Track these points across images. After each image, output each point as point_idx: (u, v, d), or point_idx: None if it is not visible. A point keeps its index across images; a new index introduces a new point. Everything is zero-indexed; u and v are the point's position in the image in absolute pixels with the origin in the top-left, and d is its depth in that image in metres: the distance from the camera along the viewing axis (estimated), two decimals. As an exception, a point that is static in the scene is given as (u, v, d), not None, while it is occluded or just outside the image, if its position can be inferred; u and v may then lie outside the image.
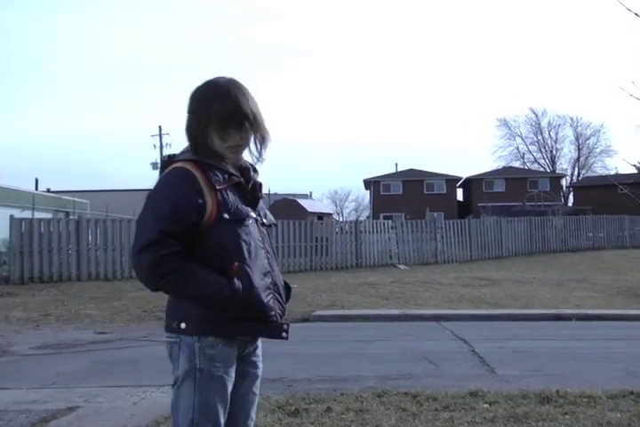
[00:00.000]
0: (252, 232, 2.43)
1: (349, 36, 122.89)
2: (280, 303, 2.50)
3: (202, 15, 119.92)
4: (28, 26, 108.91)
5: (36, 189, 40.47)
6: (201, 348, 2.36)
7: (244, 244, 2.38)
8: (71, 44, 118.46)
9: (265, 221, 2.55)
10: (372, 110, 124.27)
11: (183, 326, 2.38)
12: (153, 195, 2.38)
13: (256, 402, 2.59)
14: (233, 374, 2.43)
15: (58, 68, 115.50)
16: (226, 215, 2.35)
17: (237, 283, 2.32)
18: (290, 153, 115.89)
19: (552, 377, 6.39)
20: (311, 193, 71.70)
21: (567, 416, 4.79)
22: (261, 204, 2.59)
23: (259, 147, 2.50)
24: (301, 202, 56.73)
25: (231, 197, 2.40)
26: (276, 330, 2.46)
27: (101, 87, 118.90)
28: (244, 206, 2.43)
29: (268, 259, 2.48)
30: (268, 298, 2.41)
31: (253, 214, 2.46)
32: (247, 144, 2.47)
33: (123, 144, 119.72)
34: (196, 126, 2.41)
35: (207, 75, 2.50)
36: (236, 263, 2.33)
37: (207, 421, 2.35)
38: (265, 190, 2.80)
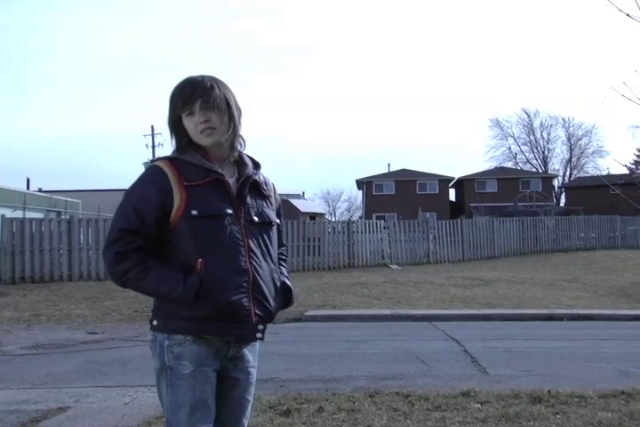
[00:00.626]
0: (228, 229, 2.36)
1: (343, 37, 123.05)
2: (264, 304, 2.40)
3: (200, 14, 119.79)
4: (27, 24, 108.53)
5: (28, 188, 40.35)
6: (169, 346, 2.36)
7: (211, 241, 2.33)
8: (64, 43, 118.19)
9: (256, 218, 2.44)
10: (365, 110, 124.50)
11: (155, 322, 2.41)
12: (124, 194, 2.43)
13: (249, 409, 2.55)
14: (210, 374, 2.38)
15: (51, 67, 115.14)
16: (194, 212, 2.32)
17: (195, 280, 2.28)
18: (282, 153, 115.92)
19: (543, 377, 6.40)
20: (304, 193, 71.71)
21: (558, 416, 4.80)
22: (258, 201, 2.49)
23: (230, 132, 2.44)
24: (294, 202, 56.68)
25: (205, 194, 2.35)
26: (248, 331, 2.39)
27: (93, 87, 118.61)
28: (220, 203, 2.36)
29: (250, 257, 2.38)
30: (238, 297, 2.33)
31: (229, 211, 2.37)
32: (223, 127, 2.41)
33: (115, 144, 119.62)
34: (170, 118, 2.43)
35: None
36: (200, 260, 2.30)
37: (178, 420, 2.33)
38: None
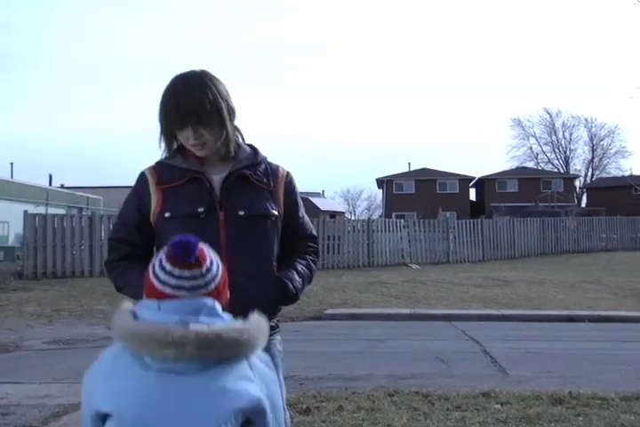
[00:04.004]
0: (201, 228, 2.27)
1: (362, 34, 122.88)
2: (242, 302, 2.23)
3: (210, 12, 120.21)
4: (47, 21, 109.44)
5: (50, 184, 40.72)
6: None
7: None
8: (84, 40, 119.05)
9: (242, 212, 2.35)
10: (386, 109, 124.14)
11: None
12: None
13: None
14: None
15: (74, 63, 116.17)
16: (166, 214, 2.33)
17: None
18: (302, 151, 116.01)
19: (564, 378, 6.37)
20: (323, 191, 71.62)
21: (580, 418, 4.78)
22: (248, 194, 2.39)
23: (222, 139, 2.36)
24: (314, 200, 56.59)
25: (181, 195, 2.34)
26: None
27: (118, 83, 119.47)
28: (194, 202, 2.33)
29: (228, 254, 2.28)
30: None
31: (201, 209, 2.31)
32: (215, 139, 2.34)
33: (138, 140, 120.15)
34: (159, 125, 2.39)
35: (219, 73, 2.45)
36: None
37: None
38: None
